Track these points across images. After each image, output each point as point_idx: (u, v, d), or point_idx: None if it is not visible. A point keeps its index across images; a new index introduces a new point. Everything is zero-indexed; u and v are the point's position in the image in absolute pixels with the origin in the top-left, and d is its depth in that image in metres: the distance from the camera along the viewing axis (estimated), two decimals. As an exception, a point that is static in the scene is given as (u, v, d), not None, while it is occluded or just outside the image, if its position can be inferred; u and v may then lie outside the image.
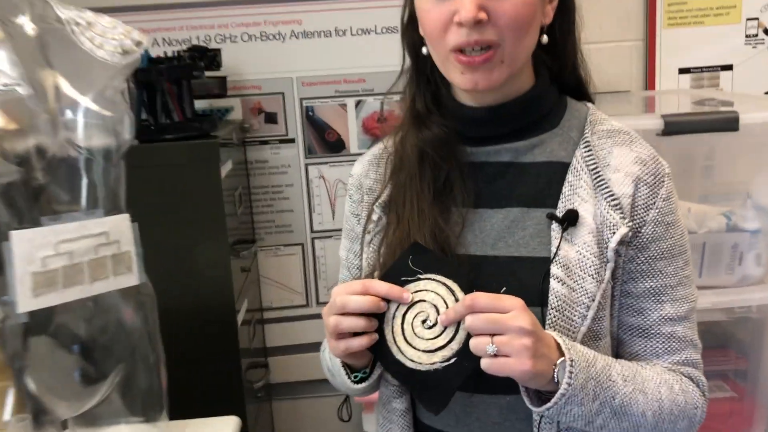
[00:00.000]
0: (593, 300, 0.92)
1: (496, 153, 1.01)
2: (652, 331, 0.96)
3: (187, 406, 1.65)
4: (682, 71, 2.15)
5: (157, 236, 1.59)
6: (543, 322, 0.90)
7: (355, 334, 0.90)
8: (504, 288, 0.87)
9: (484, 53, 0.90)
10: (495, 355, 0.82)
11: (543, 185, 0.99)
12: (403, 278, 0.91)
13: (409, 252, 0.92)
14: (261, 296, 2.24)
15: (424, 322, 0.89)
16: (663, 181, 0.96)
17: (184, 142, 1.64)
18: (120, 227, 1.15)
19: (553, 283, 0.91)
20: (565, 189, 0.97)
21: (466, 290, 0.89)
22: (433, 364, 0.87)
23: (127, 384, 1.26)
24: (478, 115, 0.99)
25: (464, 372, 0.86)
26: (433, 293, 0.89)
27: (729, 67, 2.15)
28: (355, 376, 1.02)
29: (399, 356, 0.88)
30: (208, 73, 1.85)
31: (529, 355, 0.81)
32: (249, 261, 2.00)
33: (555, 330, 0.90)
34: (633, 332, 0.98)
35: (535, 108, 1.00)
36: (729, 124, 1.55)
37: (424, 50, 1.00)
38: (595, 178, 0.96)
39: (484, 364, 0.83)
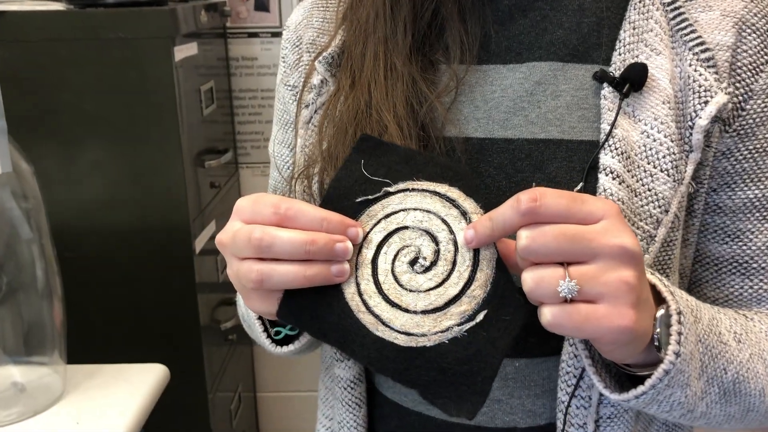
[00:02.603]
0: (666, 211, 0.61)
1: None
2: (755, 265, 0.67)
3: (132, 348, 1.37)
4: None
5: (89, 133, 1.29)
6: None
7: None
8: (581, 184, 0.58)
9: None
10: (570, 300, 0.48)
11: (589, 28, 0.66)
12: (359, 198, 0.54)
13: (358, 152, 0.55)
14: (243, 222, 1.90)
15: (413, 263, 0.53)
16: None
17: (127, 8, 1.31)
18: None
19: (605, 181, 0.60)
20: (625, 34, 0.64)
21: (477, 197, 0.53)
22: (447, 330, 0.52)
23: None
24: None
25: (507, 332, 0.52)
26: (420, 212, 0.53)
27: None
28: (277, 333, 0.67)
29: (381, 331, 0.52)
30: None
31: (631, 299, 0.49)
32: (223, 177, 1.66)
33: None
34: (722, 267, 0.68)
35: None
36: None
37: None
38: (674, 18, 0.64)
39: (552, 315, 0.49)
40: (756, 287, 0.67)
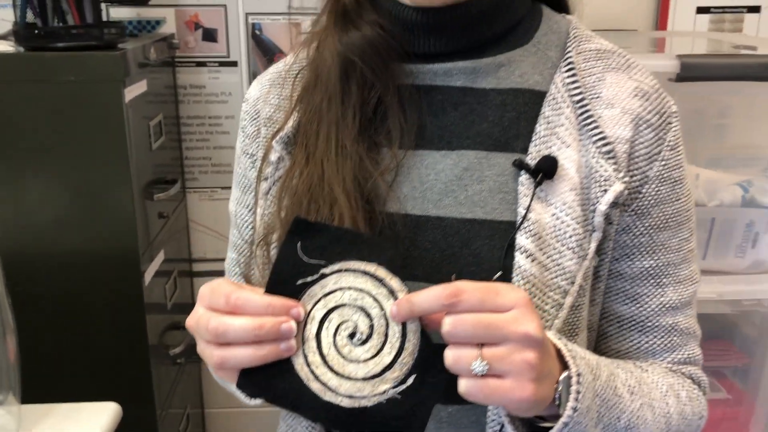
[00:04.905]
0: (572, 283, 0.71)
1: (447, 74, 0.76)
2: (650, 324, 0.79)
3: (81, 382, 1.40)
4: (701, 10, 1.87)
5: (43, 169, 1.31)
6: None
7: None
8: (500, 272, 0.68)
9: None
10: (483, 375, 0.59)
11: (509, 121, 0.75)
12: (299, 281, 0.63)
13: (294, 236, 0.63)
14: (190, 246, 1.96)
15: (352, 336, 0.63)
16: (670, 123, 0.75)
17: (78, 53, 1.33)
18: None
19: (520, 259, 0.69)
20: (540, 127, 0.73)
21: (400, 274, 0.63)
22: (384, 393, 0.63)
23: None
24: (424, 20, 0.75)
25: (433, 392, 0.62)
26: (354, 291, 0.63)
27: (756, 9, 1.87)
28: None
29: (328, 396, 0.63)
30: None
31: (532, 376, 0.60)
32: (170, 205, 1.70)
33: None
34: (624, 325, 0.79)
35: (500, 14, 0.76)
36: (764, 71, 1.25)
37: None
38: (582, 114, 0.74)
39: (465, 387, 0.60)
40: (651, 342, 0.78)
